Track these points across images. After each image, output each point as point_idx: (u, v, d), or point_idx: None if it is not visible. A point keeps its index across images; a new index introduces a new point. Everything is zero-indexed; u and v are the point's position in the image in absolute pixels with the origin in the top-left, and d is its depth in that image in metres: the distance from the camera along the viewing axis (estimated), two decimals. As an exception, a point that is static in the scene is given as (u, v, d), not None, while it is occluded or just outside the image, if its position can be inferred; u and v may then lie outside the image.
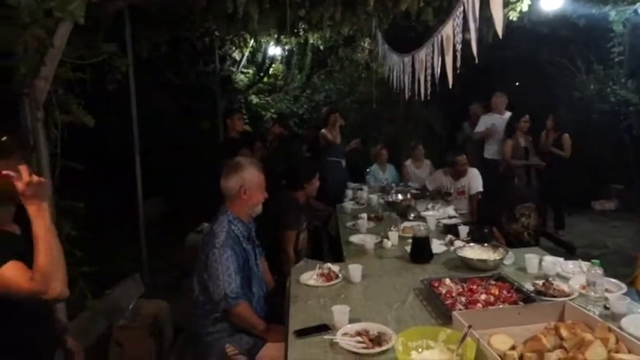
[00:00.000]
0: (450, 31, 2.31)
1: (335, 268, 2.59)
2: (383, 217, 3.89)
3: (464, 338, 1.60)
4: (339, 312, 1.98)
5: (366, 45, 7.80)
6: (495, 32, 5.03)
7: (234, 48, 7.50)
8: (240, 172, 2.44)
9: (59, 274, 1.45)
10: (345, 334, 1.88)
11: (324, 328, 1.97)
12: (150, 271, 4.12)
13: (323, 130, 5.73)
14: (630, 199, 6.77)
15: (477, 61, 1.99)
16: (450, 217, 3.78)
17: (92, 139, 3.84)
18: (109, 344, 2.87)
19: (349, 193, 5.06)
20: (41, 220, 1.43)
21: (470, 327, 1.63)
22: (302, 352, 1.84)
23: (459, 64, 2.31)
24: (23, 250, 1.43)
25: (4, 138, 1.46)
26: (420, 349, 1.67)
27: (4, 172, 1.41)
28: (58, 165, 2.73)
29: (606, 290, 2.11)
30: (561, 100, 7.34)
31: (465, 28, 2.25)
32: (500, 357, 1.56)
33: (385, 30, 5.40)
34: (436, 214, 3.87)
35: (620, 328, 1.77)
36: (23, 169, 1.43)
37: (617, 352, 1.56)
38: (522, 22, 4.91)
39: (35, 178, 1.43)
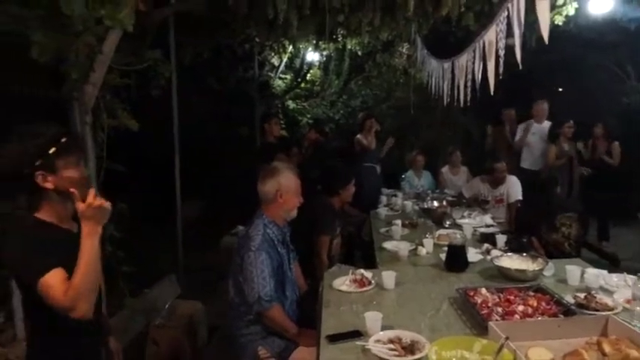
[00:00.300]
0: (492, 36, 2.27)
1: (368, 274, 2.58)
2: (417, 224, 3.85)
3: (500, 350, 1.57)
4: (372, 318, 1.97)
5: (404, 50, 7.76)
6: (539, 37, 4.92)
7: (273, 54, 7.62)
8: (276, 176, 2.48)
9: (90, 297, 1.46)
10: (378, 340, 1.87)
11: (356, 334, 1.97)
12: (186, 272, 4.22)
13: (358, 136, 5.73)
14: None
15: (520, 67, 1.95)
16: (488, 226, 3.70)
17: (135, 143, 3.99)
18: (145, 342, 2.96)
19: (384, 199, 5.04)
20: (90, 241, 1.47)
21: (507, 338, 1.60)
22: (334, 357, 1.84)
23: (501, 69, 2.26)
24: (75, 250, 1.48)
25: (63, 139, 1.53)
26: (454, 359, 1.65)
27: (72, 190, 1.47)
28: (103, 167, 2.85)
29: (654, 306, 2.02)
30: (609, 106, 7.07)
31: (509, 33, 2.21)
32: (538, 370, 1.52)
33: (425, 35, 5.35)
34: (473, 222, 3.79)
35: (668, 345, 1.69)
36: (91, 191, 1.48)
37: (663, 370, 1.49)
38: (568, 26, 4.78)
39: (97, 201, 1.46)
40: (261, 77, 7.60)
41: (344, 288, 2.48)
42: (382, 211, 4.47)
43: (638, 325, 1.90)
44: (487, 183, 4.74)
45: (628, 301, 2.08)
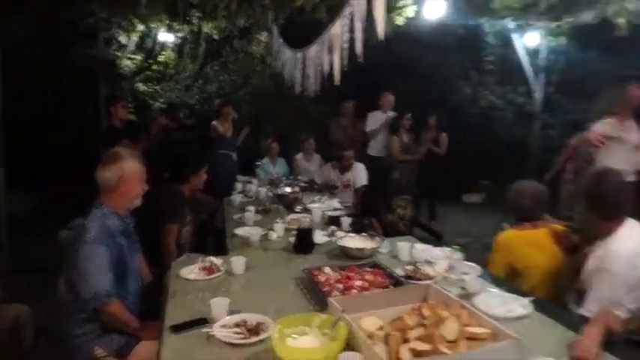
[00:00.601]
0: (338, 29, 2.39)
1: (218, 261, 2.55)
2: (270, 210, 3.92)
3: (336, 322, 1.68)
4: (218, 305, 1.96)
5: (262, 38, 7.76)
6: (379, 33, 5.28)
7: (120, 32, 7.02)
8: (119, 162, 2.32)
9: None
10: (224, 326, 1.87)
11: (202, 321, 1.94)
12: (13, 274, 3.72)
13: (214, 122, 5.61)
14: (495, 193, 7.56)
15: (362, 60, 2.09)
16: (335, 210, 3.92)
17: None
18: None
19: (238, 186, 5.02)
20: None
21: (343, 311, 1.72)
22: (177, 347, 1.79)
23: (345, 62, 2.39)
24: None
25: None
26: (295, 336, 1.72)
27: None
28: None
29: (464, 272, 2.34)
30: (441, 102, 7.97)
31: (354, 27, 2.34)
32: (369, 337, 1.66)
33: (282, 24, 5.42)
34: (322, 206, 3.99)
35: (473, 305, 1.98)
36: None
37: (468, 325, 1.74)
38: (409, 27, 5.25)
39: None
40: (107, 56, 6.98)
41: (191, 276, 2.43)
42: (236, 197, 4.45)
43: (454, 290, 2.20)
44: (337, 169, 5.02)
45: (446, 271, 2.39)
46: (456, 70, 8.21)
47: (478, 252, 4.39)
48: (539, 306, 2.02)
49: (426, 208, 6.49)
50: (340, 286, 2.20)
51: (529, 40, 6.60)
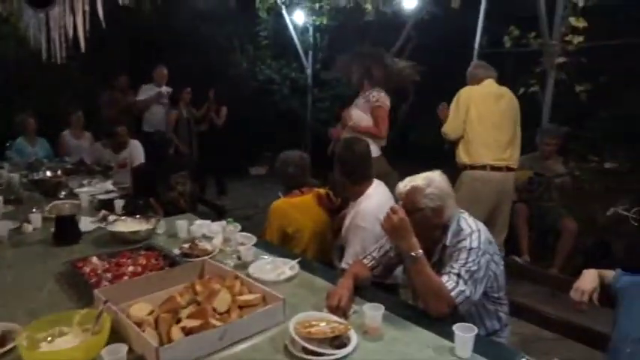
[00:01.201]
0: (77, -12, 2.11)
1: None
2: (24, 199, 3.38)
3: (100, 315, 1.55)
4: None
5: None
6: (154, 1, 4.90)
7: None
8: None
9: None
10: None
11: None
12: None
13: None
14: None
15: (104, 25, 1.89)
16: (108, 192, 3.60)
17: None
18: None
19: (-18, 173, 4.18)
20: None
21: (106, 302, 1.59)
22: None
23: (87, 26, 2.14)
24: None
25: None
26: (50, 339, 1.53)
27: None
28: None
29: (241, 244, 2.42)
30: (220, 75, 7.94)
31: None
32: (139, 324, 1.58)
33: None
34: (92, 189, 3.62)
35: (247, 274, 2.06)
36: None
37: (241, 294, 1.81)
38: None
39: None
40: None
41: None
42: (-23, 187, 3.70)
43: (230, 262, 2.25)
44: (109, 148, 4.60)
45: (223, 244, 2.42)
46: (234, 43, 8.27)
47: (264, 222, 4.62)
48: (306, 266, 2.22)
49: (214, 183, 6.48)
50: (109, 275, 2.04)
51: (297, 18, 7.03)
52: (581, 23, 4.06)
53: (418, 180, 1.90)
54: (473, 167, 3.61)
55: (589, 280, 1.82)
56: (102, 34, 2.34)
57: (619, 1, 4.17)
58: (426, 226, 1.87)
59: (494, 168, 3.57)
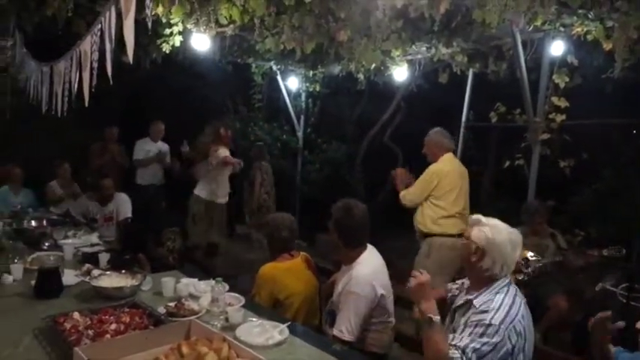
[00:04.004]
0: (87, 47, 2.19)
1: None
2: (6, 248, 3.28)
3: (81, 376, 1.48)
4: None
5: (8, 45, 6.59)
6: (154, 61, 5.08)
7: None
8: None
9: None
10: None
11: None
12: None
13: None
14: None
15: (111, 82, 1.94)
16: (93, 245, 3.52)
17: None
18: None
19: (-37, 220, 4.07)
20: None
21: (88, 362, 1.52)
22: None
23: (94, 82, 2.20)
24: None
25: None
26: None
27: None
28: None
29: (229, 304, 2.35)
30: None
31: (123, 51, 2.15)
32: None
33: (31, 34, 4.72)
34: (77, 241, 3.54)
35: (235, 337, 2.00)
36: None
37: (228, 359, 1.74)
38: (178, 57, 5.19)
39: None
40: None
41: None
42: (-43, 235, 3.59)
43: (217, 323, 2.18)
44: (95, 200, 4.55)
45: (210, 304, 2.35)
46: (227, 104, 8.48)
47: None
48: (295, 331, 2.16)
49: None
50: (91, 332, 1.95)
51: (291, 84, 7.28)
52: (563, 103, 4.29)
53: (487, 219, 1.97)
54: (442, 235, 3.76)
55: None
56: (98, 87, 2.40)
57: (597, 85, 4.42)
58: (466, 258, 1.96)
59: (459, 236, 3.68)
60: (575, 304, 3.80)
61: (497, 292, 1.88)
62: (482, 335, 1.76)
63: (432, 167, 3.88)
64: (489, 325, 1.77)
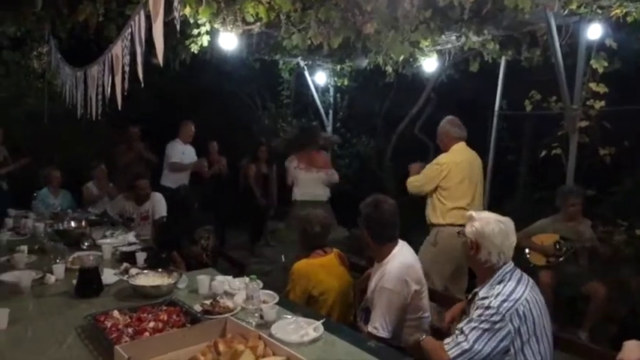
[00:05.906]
0: (119, 51, 2.23)
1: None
2: (48, 249, 3.39)
3: (122, 374, 1.51)
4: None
5: (44, 51, 6.81)
6: (183, 61, 5.15)
7: None
8: None
9: None
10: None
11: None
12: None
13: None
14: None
15: (142, 85, 1.97)
16: (130, 244, 3.61)
17: None
18: None
19: (9, 222, 4.24)
20: None
21: (129, 358, 1.56)
22: None
23: (126, 85, 2.24)
24: None
25: None
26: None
27: None
28: None
29: (264, 302, 2.37)
30: (246, 132, 8.16)
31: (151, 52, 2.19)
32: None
33: (65, 39, 4.85)
34: (115, 241, 3.63)
35: (270, 334, 2.01)
36: None
37: (264, 356, 1.75)
38: (206, 56, 5.24)
39: None
40: None
41: None
42: (3, 236, 3.74)
43: (252, 321, 2.20)
44: (132, 200, 4.66)
45: (245, 301, 2.37)
46: (256, 101, 8.54)
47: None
48: (330, 327, 2.15)
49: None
50: (130, 330, 2.00)
51: (319, 79, 7.26)
52: (602, 89, 4.12)
53: (478, 214, 2.08)
54: (451, 225, 3.64)
55: (633, 351, 1.73)
56: (129, 90, 2.44)
57: (639, 68, 4.24)
58: (467, 254, 2.06)
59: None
60: (619, 296, 3.67)
61: (499, 282, 1.97)
62: (480, 315, 1.89)
63: (441, 157, 3.80)
64: (488, 307, 1.89)
